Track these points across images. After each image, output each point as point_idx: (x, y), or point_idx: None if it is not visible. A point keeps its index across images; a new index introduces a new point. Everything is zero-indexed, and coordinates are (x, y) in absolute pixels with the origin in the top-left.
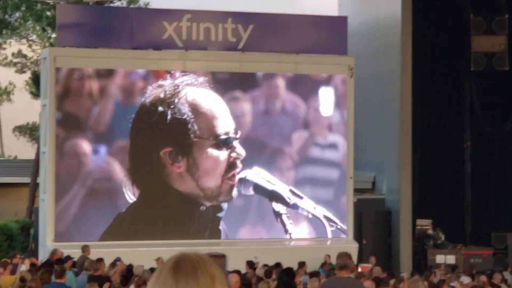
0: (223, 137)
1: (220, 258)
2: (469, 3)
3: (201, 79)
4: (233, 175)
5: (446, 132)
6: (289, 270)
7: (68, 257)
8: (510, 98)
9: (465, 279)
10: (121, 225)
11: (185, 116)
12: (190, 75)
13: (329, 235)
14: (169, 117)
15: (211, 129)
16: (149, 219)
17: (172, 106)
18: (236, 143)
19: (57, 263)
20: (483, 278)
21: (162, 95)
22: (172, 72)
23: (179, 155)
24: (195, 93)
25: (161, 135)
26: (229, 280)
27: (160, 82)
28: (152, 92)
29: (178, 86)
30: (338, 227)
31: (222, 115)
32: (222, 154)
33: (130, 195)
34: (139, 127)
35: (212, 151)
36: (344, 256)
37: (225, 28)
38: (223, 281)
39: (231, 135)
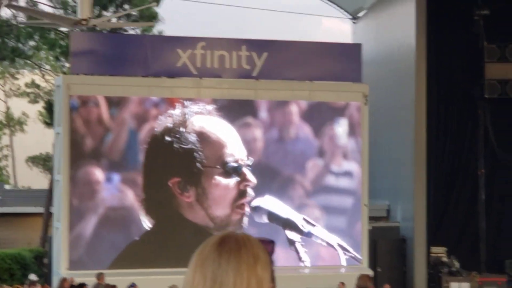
0: (232, 164)
1: (268, 244)
2: (483, 31)
3: (210, 107)
4: (243, 204)
5: (460, 159)
6: None
7: (83, 285)
8: None
9: None
10: (134, 253)
11: (190, 146)
12: (199, 103)
13: (344, 263)
14: (176, 146)
15: (220, 157)
16: (162, 247)
17: (178, 136)
18: (246, 170)
19: None
20: None
21: (170, 125)
22: (182, 100)
23: (187, 184)
24: (202, 121)
25: (169, 165)
26: None
27: (170, 111)
28: (163, 121)
29: (186, 114)
30: (352, 255)
31: (231, 142)
32: (232, 182)
33: (147, 223)
34: (151, 156)
35: (221, 180)
36: (364, 277)
37: (239, 56)
38: (267, 265)
39: (241, 162)
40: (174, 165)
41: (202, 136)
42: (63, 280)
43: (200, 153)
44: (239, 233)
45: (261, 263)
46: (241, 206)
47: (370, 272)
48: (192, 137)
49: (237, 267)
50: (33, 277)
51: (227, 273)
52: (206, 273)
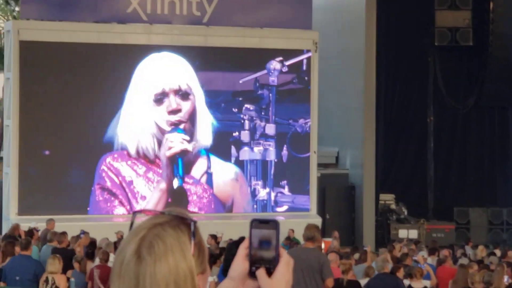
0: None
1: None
2: None
3: None
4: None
5: (410, 107)
6: (239, 241)
7: (33, 230)
8: (473, 73)
9: (424, 254)
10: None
11: None
12: None
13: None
14: None
15: None
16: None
17: None
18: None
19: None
20: (445, 252)
21: None
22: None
23: None
24: None
25: None
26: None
27: None
28: None
29: None
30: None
31: None
32: None
33: None
34: None
35: None
36: (312, 228)
37: (190, 2)
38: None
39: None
40: None
41: None
42: (16, 226)
43: None
44: (151, 232)
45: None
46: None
47: (319, 219)
48: None
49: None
50: None
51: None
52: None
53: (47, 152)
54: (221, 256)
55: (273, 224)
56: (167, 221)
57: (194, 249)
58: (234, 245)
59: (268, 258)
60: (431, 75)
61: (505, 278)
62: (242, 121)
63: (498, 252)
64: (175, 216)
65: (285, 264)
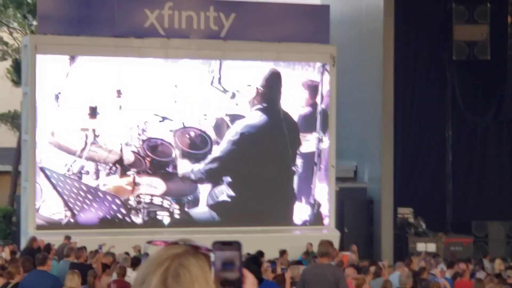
0: None
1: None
2: None
3: None
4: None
5: (428, 121)
6: (255, 258)
7: (49, 245)
8: (491, 87)
9: (443, 268)
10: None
11: None
12: None
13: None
14: None
15: None
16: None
17: None
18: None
19: (38, 251)
20: (463, 266)
21: None
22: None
23: None
24: None
25: None
26: None
27: None
28: None
29: None
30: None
31: None
32: None
33: None
34: None
35: None
36: (326, 243)
37: (207, 16)
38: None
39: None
40: None
41: None
42: (33, 239)
43: None
44: (175, 262)
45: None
46: None
47: (337, 233)
48: None
49: None
50: None
51: None
52: None
53: None
54: None
55: (236, 246)
56: (186, 251)
57: (221, 283)
58: (251, 262)
59: (232, 279)
60: (449, 89)
61: None
62: None
63: None
64: (192, 246)
65: (250, 285)
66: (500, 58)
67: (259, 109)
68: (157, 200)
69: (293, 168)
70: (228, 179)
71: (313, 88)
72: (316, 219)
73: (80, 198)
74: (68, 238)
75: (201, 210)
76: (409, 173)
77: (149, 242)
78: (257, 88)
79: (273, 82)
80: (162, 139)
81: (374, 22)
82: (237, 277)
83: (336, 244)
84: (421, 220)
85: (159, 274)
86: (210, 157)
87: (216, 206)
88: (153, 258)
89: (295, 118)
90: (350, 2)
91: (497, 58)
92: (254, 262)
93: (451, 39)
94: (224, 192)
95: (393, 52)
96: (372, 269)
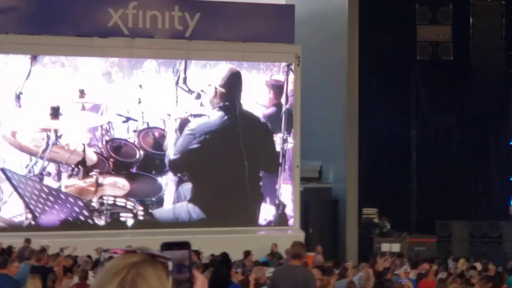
0: None
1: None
2: None
3: None
4: None
5: (392, 120)
6: (226, 261)
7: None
8: (455, 87)
9: (407, 268)
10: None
11: None
12: None
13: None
14: None
15: None
16: None
17: None
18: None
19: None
20: (426, 266)
21: None
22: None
23: None
24: None
25: None
26: None
27: None
28: None
29: None
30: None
31: None
32: None
33: None
34: None
35: None
36: (298, 245)
37: (172, 16)
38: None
39: None
40: None
41: None
42: None
43: None
44: (131, 271)
45: None
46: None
47: (302, 234)
48: None
49: None
50: None
51: None
52: None
53: None
54: (204, 272)
55: (185, 246)
56: (143, 259)
57: (172, 286)
58: (221, 264)
59: (182, 280)
60: (414, 89)
61: None
62: None
63: (479, 265)
64: (149, 255)
65: (201, 285)
66: (463, 58)
67: (220, 108)
68: (120, 202)
69: (258, 168)
70: (193, 180)
71: (277, 88)
72: (281, 219)
73: (42, 200)
74: (28, 240)
75: (165, 211)
76: (373, 173)
77: (106, 250)
78: (215, 87)
79: (233, 82)
80: (125, 140)
81: (339, 22)
82: (187, 278)
83: None
84: (385, 220)
85: (115, 284)
86: (173, 158)
87: (180, 207)
88: (109, 267)
89: (260, 118)
90: (315, 2)
91: (460, 58)
92: (225, 264)
93: (415, 39)
94: (188, 193)
95: (357, 51)
96: (337, 270)
